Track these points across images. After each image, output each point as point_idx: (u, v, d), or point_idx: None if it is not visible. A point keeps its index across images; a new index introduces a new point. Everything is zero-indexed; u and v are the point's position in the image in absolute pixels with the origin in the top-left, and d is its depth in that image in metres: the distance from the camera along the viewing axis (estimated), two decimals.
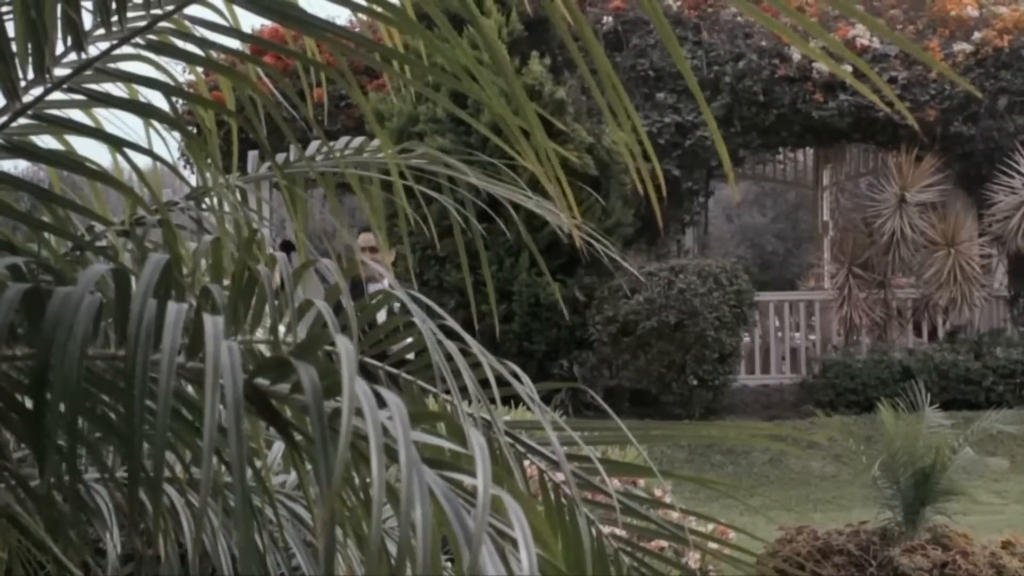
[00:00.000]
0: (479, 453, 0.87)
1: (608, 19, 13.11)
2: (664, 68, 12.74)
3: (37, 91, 1.39)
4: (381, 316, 1.69)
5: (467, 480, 1.03)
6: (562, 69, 12.03)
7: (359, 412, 0.87)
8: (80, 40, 1.35)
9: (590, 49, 1.14)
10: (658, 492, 3.62)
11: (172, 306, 0.89)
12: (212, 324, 0.87)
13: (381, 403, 0.91)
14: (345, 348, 0.86)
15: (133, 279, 1.00)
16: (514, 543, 0.94)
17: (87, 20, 1.41)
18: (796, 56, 12.46)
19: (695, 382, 11.48)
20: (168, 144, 2.05)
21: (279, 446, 2.01)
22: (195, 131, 1.63)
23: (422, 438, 1.07)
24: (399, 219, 1.81)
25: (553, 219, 1.89)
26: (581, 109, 11.93)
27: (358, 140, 1.97)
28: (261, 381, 1.01)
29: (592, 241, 1.87)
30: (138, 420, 0.85)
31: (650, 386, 11.74)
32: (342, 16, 9.99)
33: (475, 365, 1.37)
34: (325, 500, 0.87)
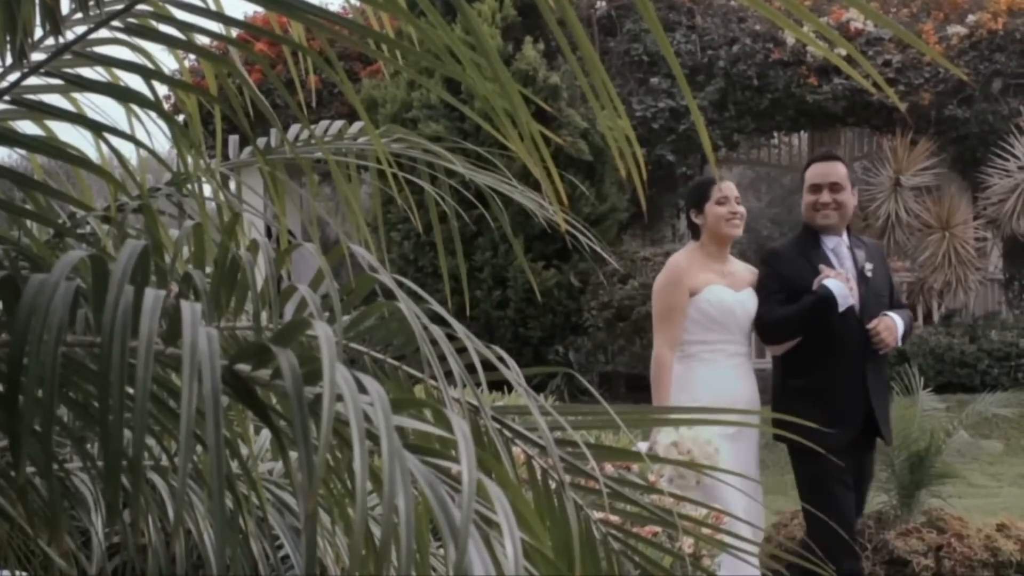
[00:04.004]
0: (462, 439, 0.86)
1: (602, 4, 13.08)
2: (658, 53, 12.70)
3: (15, 76, 1.37)
4: None
5: (454, 467, 1.02)
6: (556, 54, 11.99)
7: (341, 398, 0.86)
8: (57, 24, 1.34)
9: (576, 36, 1.13)
10: (652, 478, 3.60)
11: (150, 292, 0.88)
12: (190, 309, 0.86)
13: (363, 390, 0.90)
14: (324, 333, 0.85)
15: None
16: (500, 529, 0.93)
17: (65, 6, 1.40)
18: (790, 40, 12.44)
19: None
20: (150, 130, 2.02)
21: (267, 433, 2.00)
22: (178, 117, 1.61)
23: (407, 424, 1.06)
24: (391, 205, 1.79)
25: (540, 209, 1.87)
26: (576, 94, 11.89)
27: (338, 124, 1.95)
28: (241, 367, 1.00)
29: (577, 232, 1.85)
30: (116, 407, 0.84)
31: (645, 371, 11.71)
32: (335, 3, 9.98)
33: (462, 350, 1.36)
34: (308, 489, 0.86)
